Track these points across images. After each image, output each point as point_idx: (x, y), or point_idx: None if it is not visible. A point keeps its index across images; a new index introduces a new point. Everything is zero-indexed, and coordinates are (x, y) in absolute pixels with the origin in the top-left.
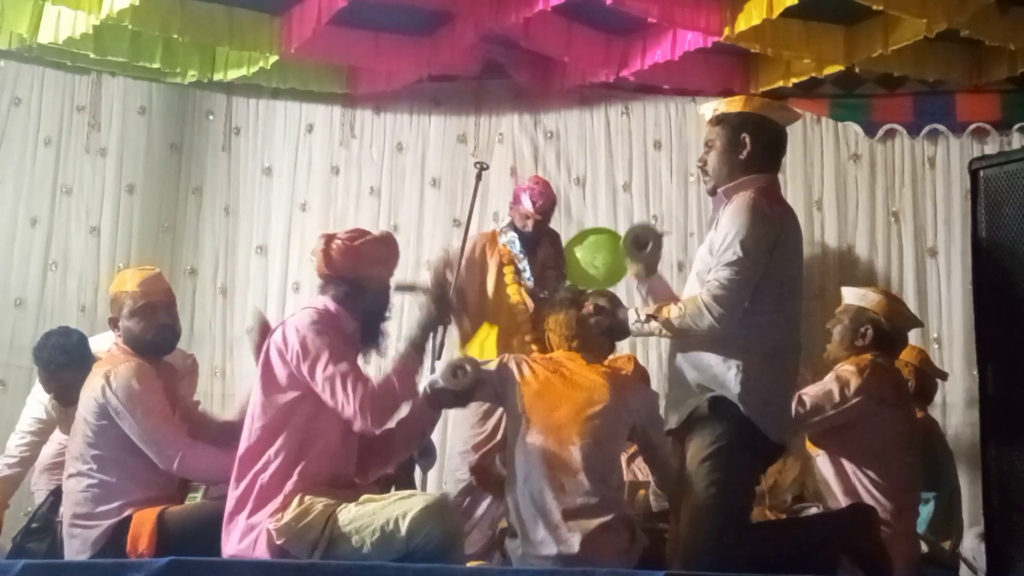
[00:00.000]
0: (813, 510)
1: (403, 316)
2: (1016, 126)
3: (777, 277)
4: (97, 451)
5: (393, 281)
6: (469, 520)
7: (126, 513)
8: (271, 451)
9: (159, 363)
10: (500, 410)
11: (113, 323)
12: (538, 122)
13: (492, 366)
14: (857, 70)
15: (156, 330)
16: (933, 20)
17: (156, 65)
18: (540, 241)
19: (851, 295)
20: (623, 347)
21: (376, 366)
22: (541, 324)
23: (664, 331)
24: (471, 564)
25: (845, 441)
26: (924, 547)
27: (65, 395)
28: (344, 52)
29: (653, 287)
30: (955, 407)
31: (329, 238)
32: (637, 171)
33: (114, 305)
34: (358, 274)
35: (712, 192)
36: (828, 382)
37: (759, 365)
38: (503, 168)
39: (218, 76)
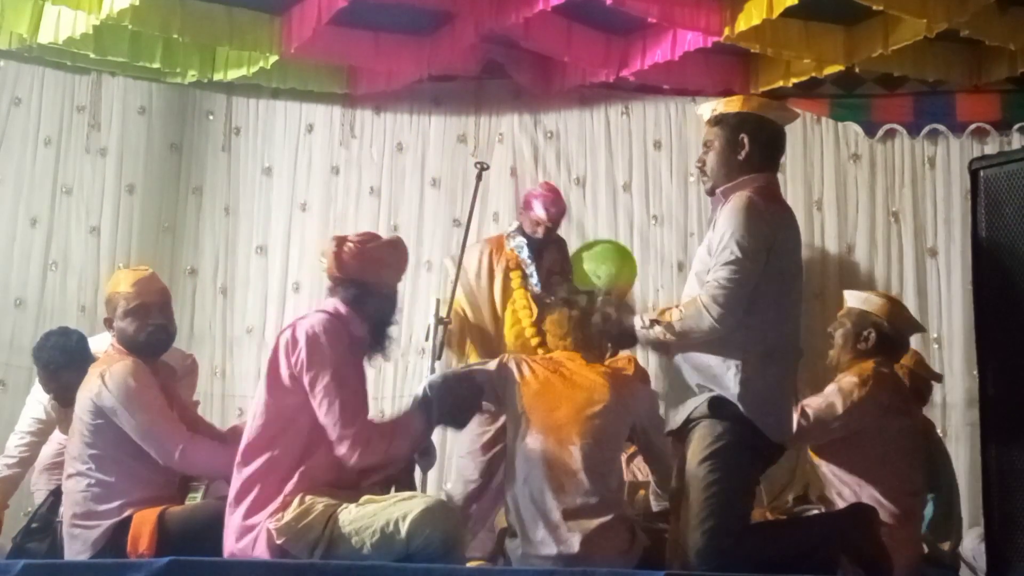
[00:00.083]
0: (814, 511)
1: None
2: (1016, 126)
3: (775, 277)
4: (95, 451)
5: (400, 286)
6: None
7: (126, 513)
8: (273, 451)
9: (156, 363)
10: None
11: (108, 324)
12: (538, 122)
13: (492, 366)
14: (857, 70)
15: (150, 330)
16: (933, 20)
17: (156, 65)
18: (547, 247)
19: (853, 298)
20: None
21: (379, 368)
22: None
23: (667, 335)
24: (472, 564)
25: (851, 451)
26: (924, 548)
27: (65, 395)
28: (344, 52)
29: None
30: (955, 407)
31: (341, 241)
32: (637, 171)
33: (109, 306)
34: (368, 277)
35: (711, 192)
36: (830, 394)
37: (758, 365)
38: (503, 168)
39: (218, 76)
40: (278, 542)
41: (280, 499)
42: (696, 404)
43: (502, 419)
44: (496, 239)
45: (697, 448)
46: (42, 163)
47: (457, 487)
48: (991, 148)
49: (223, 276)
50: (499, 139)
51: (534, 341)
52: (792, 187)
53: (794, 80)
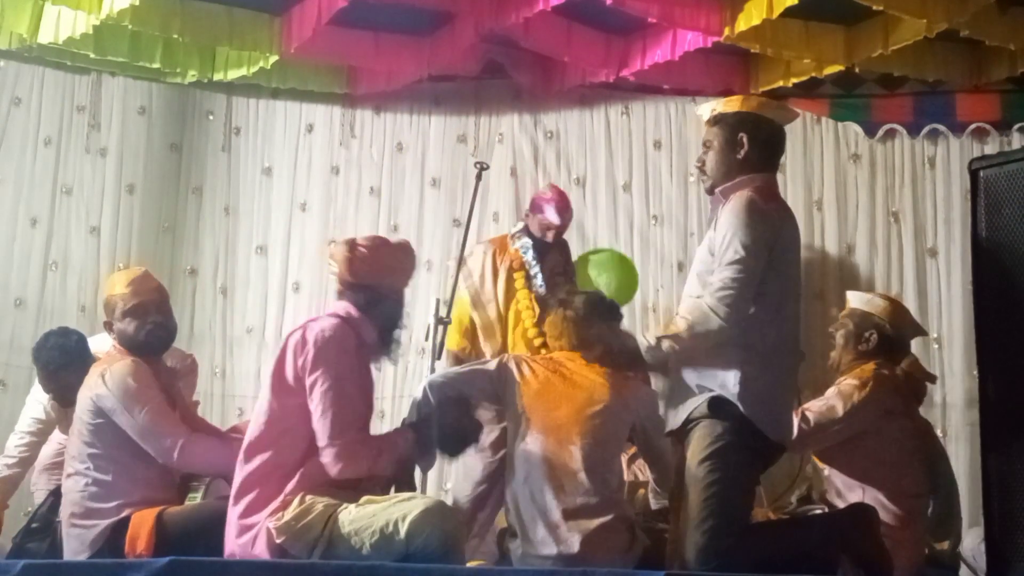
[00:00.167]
0: (817, 511)
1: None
2: (1016, 126)
3: (776, 276)
4: (94, 450)
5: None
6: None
7: (124, 513)
8: (275, 451)
9: (157, 363)
10: None
11: (108, 326)
12: (538, 122)
13: (492, 366)
14: (857, 70)
15: (148, 329)
16: (933, 20)
17: (156, 65)
18: (550, 248)
19: (857, 299)
20: None
21: (379, 368)
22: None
23: (676, 346)
24: (472, 564)
25: (853, 454)
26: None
27: (64, 396)
28: (344, 52)
29: None
30: (955, 407)
31: (352, 245)
32: (637, 171)
33: (107, 309)
34: (380, 282)
35: (710, 191)
36: (831, 397)
37: (758, 364)
38: (503, 168)
39: (218, 76)
40: (278, 541)
41: (281, 498)
42: (696, 404)
43: None
44: (500, 239)
45: (697, 448)
46: (42, 163)
47: (464, 487)
48: (991, 148)
49: (223, 276)
50: (499, 139)
51: (537, 341)
52: (792, 187)
53: (794, 80)
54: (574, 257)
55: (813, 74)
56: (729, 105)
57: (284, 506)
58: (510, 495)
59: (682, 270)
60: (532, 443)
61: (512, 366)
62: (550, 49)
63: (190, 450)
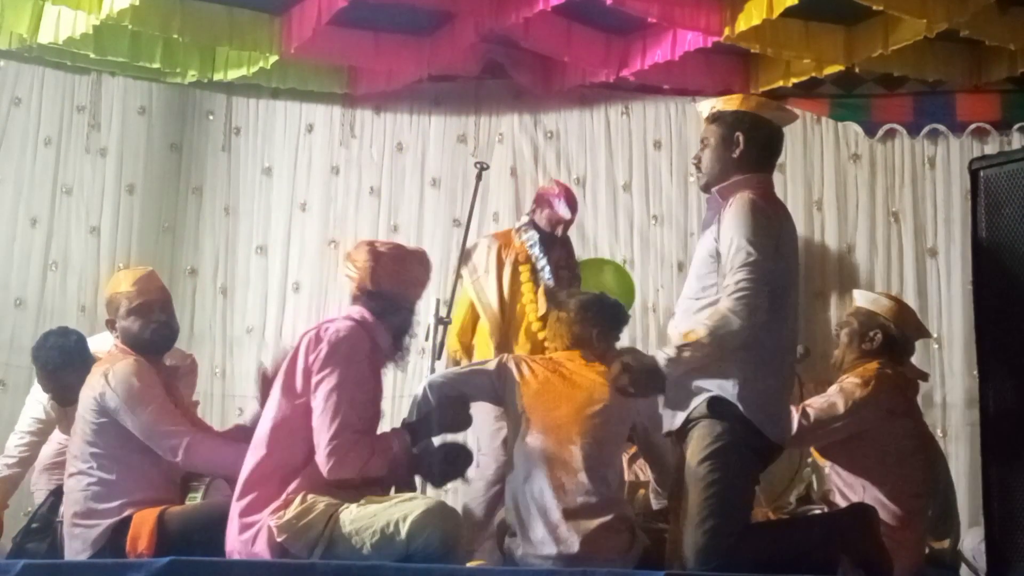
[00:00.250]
0: (817, 511)
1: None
2: (1016, 126)
3: (775, 276)
4: (97, 449)
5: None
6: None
7: (126, 513)
8: (281, 450)
9: (159, 363)
10: None
11: (110, 325)
12: (538, 122)
13: (491, 366)
14: (857, 70)
15: (154, 328)
16: (933, 20)
17: (156, 65)
18: (554, 243)
19: (863, 298)
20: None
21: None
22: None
23: (698, 354)
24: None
25: (853, 453)
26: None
27: (63, 395)
28: (344, 52)
29: None
30: (955, 407)
31: (375, 253)
32: (637, 171)
33: (110, 307)
34: (398, 292)
35: (705, 189)
36: (833, 395)
37: (757, 365)
38: (503, 168)
39: (218, 76)
40: (278, 540)
41: (283, 497)
42: (695, 404)
43: None
44: (504, 233)
45: (696, 448)
46: (42, 163)
47: (477, 487)
48: (991, 148)
49: (223, 276)
50: (499, 139)
51: (541, 335)
52: (792, 187)
53: (794, 80)
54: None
55: (813, 74)
56: (728, 103)
57: (286, 505)
58: (510, 495)
59: (682, 270)
60: (532, 443)
61: (512, 366)
62: (550, 49)
63: (195, 450)
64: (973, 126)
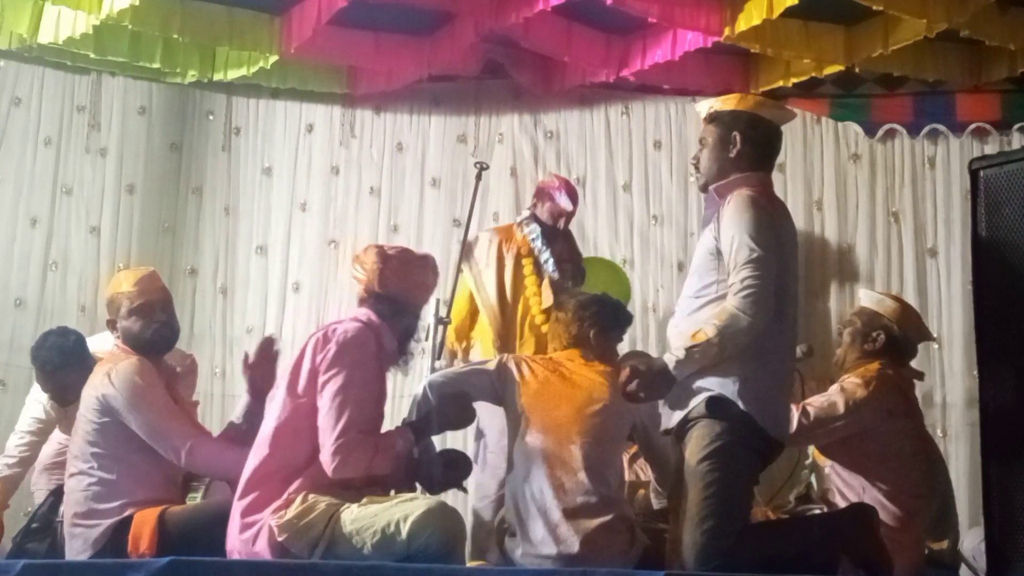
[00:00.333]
0: (816, 511)
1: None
2: (1016, 126)
3: (775, 274)
4: (98, 449)
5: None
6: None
7: (127, 513)
8: (284, 450)
9: (161, 363)
10: None
11: (111, 325)
12: (538, 122)
13: (491, 366)
14: (857, 70)
15: (155, 328)
16: (933, 20)
17: (156, 65)
18: (556, 237)
19: (868, 298)
20: (622, 345)
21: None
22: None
23: (708, 353)
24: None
25: (853, 451)
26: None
27: (62, 396)
28: (344, 52)
29: None
30: (955, 407)
31: (384, 256)
32: (637, 171)
33: (111, 307)
34: (406, 296)
35: (703, 189)
36: (833, 394)
37: (756, 363)
38: (503, 168)
39: (218, 76)
40: (279, 539)
41: (284, 497)
42: (695, 403)
43: None
44: (505, 228)
45: (696, 447)
46: (42, 163)
47: (489, 486)
48: (991, 148)
49: (223, 276)
50: (499, 139)
51: (545, 328)
52: (792, 187)
53: (794, 80)
54: None
55: (813, 74)
56: (726, 103)
57: (287, 504)
58: (510, 494)
59: (682, 270)
60: (532, 442)
61: (512, 366)
62: (550, 49)
63: (198, 452)
64: (973, 126)
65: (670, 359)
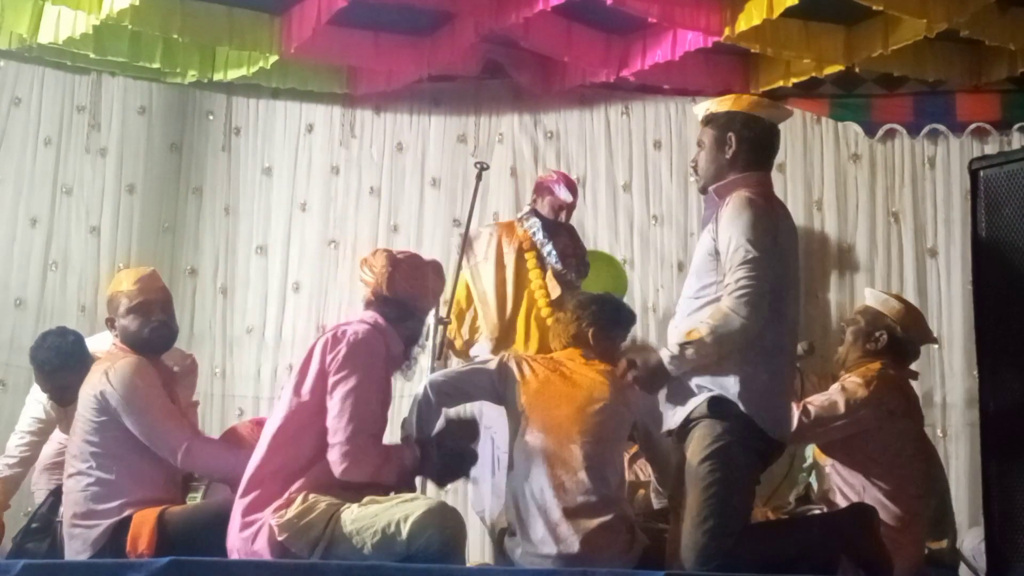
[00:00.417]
0: (816, 511)
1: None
2: (1016, 126)
3: (775, 275)
4: (96, 448)
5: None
6: None
7: (126, 513)
8: (288, 450)
9: (159, 363)
10: None
11: (110, 323)
12: (538, 122)
13: (492, 365)
14: (857, 70)
15: (153, 327)
16: (933, 20)
17: (156, 65)
18: (558, 231)
19: (872, 298)
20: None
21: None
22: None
23: (701, 352)
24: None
25: (853, 451)
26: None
27: (61, 396)
28: (344, 52)
29: None
30: (955, 407)
31: (393, 260)
32: (637, 171)
33: (111, 305)
34: (413, 301)
35: (703, 191)
36: (834, 393)
37: (757, 363)
38: (503, 168)
39: (218, 76)
40: (279, 538)
41: (285, 496)
42: (696, 404)
43: None
44: (506, 224)
45: (697, 448)
46: (42, 163)
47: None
48: (991, 148)
49: (223, 276)
50: (499, 139)
51: (551, 321)
52: (792, 187)
53: (794, 80)
54: None
55: (813, 74)
56: (721, 104)
57: (287, 504)
58: (510, 494)
59: (682, 270)
60: (532, 442)
61: (512, 365)
62: (550, 49)
63: (196, 453)
64: (973, 126)
65: (665, 355)
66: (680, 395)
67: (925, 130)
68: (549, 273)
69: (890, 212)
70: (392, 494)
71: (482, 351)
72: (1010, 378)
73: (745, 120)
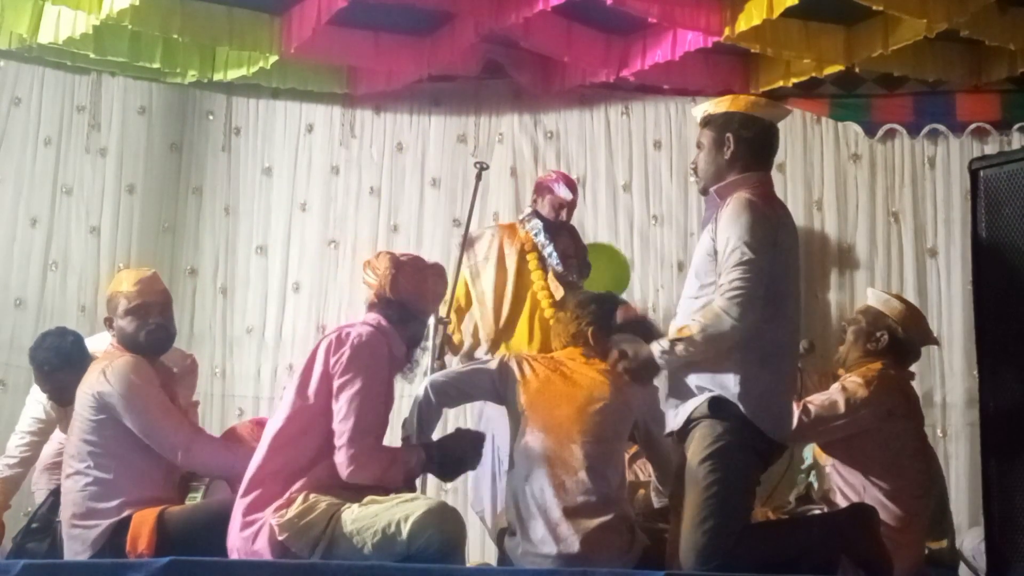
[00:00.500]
0: (816, 511)
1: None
2: (1016, 126)
3: (775, 275)
4: (94, 448)
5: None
6: None
7: (125, 513)
8: (289, 450)
9: (156, 363)
10: None
11: (108, 323)
12: (538, 122)
13: (493, 365)
14: (857, 70)
15: (149, 330)
16: (933, 20)
17: (156, 65)
18: (559, 232)
19: (875, 298)
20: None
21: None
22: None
23: (690, 349)
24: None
25: (853, 450)
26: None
27: (60, 396)
28: (344, 52)
29: None
30: (955, 407)
31: (397, 263)
32: (637, 171)
33: (110, 305)
34: (416, 303)
35: (704, 192)
36: (834, 392)
37: (758, 364)
38: (503, 168)
39: (218, 76)
40: (280, 538)
41: (286, 496)
42: (696, 404)
43: None
44: (508, 225)
45: (697, 448)
46: (42, 163)
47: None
48: (991, 148)
49: (223, 276)
50: (499, 139)
51: (553, 321)
52: (792, 187)
53: (794, 80)
54: None
55: (813, 74)
56: (719, 106)
57: (288, 503)
58: (510, 494)
59: (682, 270)
60: (533, 442)
61: (513, 365)
62: (550, 49)
63: (196, 450)
64: (973, 126)
65: (656, 348)
66: (681, 396)
67: (925, 130)
68: (551, 274)
69: (890, 212)
70: (393, 494)
71: (478, 353)
72: (1010, 378)
73: (743, 120)
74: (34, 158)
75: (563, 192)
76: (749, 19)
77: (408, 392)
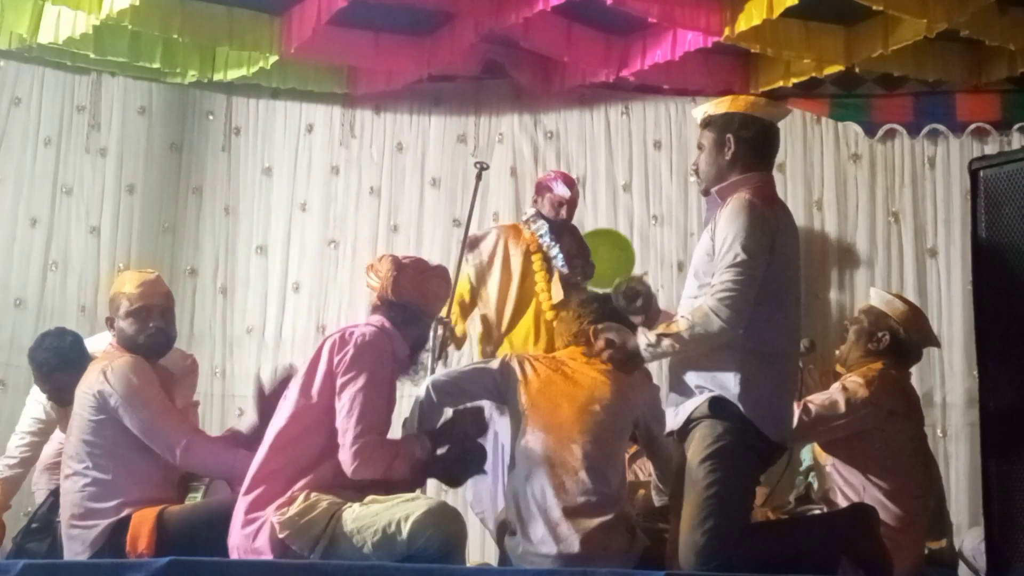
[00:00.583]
0: (816, 511)
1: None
2: (1016, 126)
3: (775, 276)
4: (93, 448)
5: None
6: None
7: (124, 512)
8: (292, 449)
9: (155, 364)
10: None
11: (109, 323)
12: (538, 122)
13: (494, 364)
14: (857, 70)
15: (149, 333)
16: (933, 20)
17: (156, 65)
18: (563, 232)
19: (877, 298)
20: None
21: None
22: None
23: (677, 346)
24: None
25: (853, 450)
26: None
27: (59, 396)
28: (344, 52)
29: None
30: (955, 407)
31: (399, 265)
32: (637, 171)
33: (112, 305)
34: (420, 305)
35: (705, 193)
36: (834, 392)
37: (758, 365)
38: (503, 168)
39: (218, 76)
40: (280, 536)
41: (287, 494)
42: (696, 404)
43: None
44: (512, 226)
45: (698, 448)
46: (42, 163)
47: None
48: (991, 148)
49: (223, 276)
50: (499, 139)
51: (556, 321)
52: (792, 187)
53: (794, 80)
54: None
55: (813, 74)
56: (719, 106)
57: (290, 502)
58: (510, 493)
59: (682, 270)
60: (533, 441)
61: (514, 365)
62: (550, 49)
63: (194, 450)
64: (973, 126)
65: (642, 340)
66: (681, 396)
67: (925, 130)
68: (555, 276)
69: (890, 212)
70: (396, 492)
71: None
72: (1010, 378)
73: (743, 120)
74: (34, 158)
75: (561, 190)
76: (749, 19)
77: (409, 392)
